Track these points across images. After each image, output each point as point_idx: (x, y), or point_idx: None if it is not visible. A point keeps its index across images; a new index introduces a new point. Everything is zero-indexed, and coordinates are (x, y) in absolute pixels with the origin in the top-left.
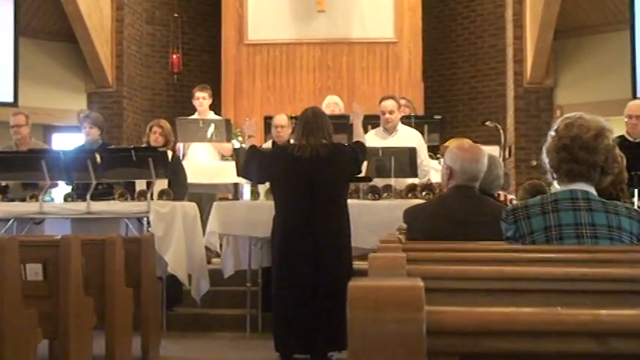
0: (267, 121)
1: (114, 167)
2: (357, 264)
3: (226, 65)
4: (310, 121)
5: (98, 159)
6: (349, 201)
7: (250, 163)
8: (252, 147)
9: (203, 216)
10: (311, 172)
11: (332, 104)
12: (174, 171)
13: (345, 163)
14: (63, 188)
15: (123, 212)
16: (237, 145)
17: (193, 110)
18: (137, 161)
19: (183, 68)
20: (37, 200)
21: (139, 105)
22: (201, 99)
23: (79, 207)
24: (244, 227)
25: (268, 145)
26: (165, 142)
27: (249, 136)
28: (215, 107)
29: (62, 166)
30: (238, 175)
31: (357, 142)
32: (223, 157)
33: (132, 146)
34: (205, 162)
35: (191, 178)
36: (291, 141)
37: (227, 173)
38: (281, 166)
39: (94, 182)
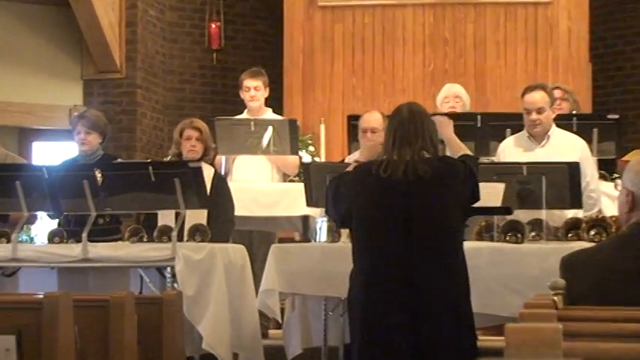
0: (353, 122)
1: (123, 191)
2: (486, 340)
3: (291, 39)
4: (405, 124)
5: (99, 179)
6: (476, 244)
7: (328, 195)
8: (343, 174)
9: (255, 265)
10: (407, 201)
11: (451, 97)
12: (217, 197)
13: (460, 187)
14: (47, 223)
15: (136, 259)
16: (306, 158)
17: (242, 107)
18: (158, 182)
19: (226, 43)
20: (8, 241)
21: (161, 98)
22: (253, 89)
23: (71, 251)
24: (317, 283)
25: (352, 158)
26: (204, 151)
27: (355, 161)
28: (274, 102)
29: (46, 190)
30: (309, 204)
31: (466, 155)
32: (286, 177)
33: (149, 160)
34: (259, 184)
35: (238, 209)
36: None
37: (291, 201)
38: (361, 194)
39: (93, 214)
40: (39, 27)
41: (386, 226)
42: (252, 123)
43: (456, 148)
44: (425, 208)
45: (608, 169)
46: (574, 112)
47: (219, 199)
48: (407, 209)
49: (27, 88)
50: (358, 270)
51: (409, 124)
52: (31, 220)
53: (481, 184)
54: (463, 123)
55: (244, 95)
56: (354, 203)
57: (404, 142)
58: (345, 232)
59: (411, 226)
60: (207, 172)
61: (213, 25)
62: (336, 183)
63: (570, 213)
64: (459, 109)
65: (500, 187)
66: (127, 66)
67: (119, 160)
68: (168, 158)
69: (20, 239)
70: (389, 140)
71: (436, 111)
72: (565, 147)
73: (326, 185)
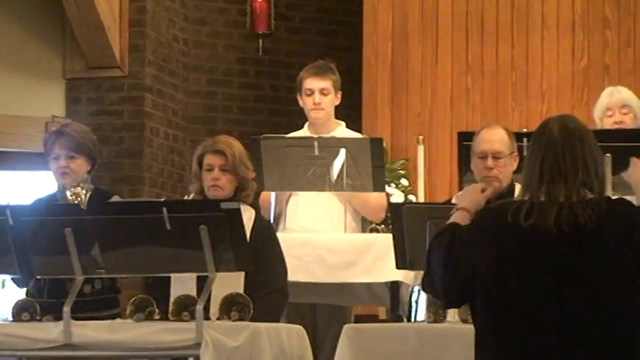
0: (465, 142)
1: (123, 245)
2: None
3: (374, 18)
4: (558, 148)
5: (87, 226)
6: None
7: (432, 258)
8: (452, 227)
9: (320, 355)
10: (561, 262)
11: (616, 107)
12: (259, 255)
13: None
14: (12, 291)
15: (142, 345)
16: (397, 196)
17: (300, 120)
18: (174, 232)
19: (277, 25)
20: None
21: (181, 107)
22: (318, 94)
23: (47, 333)
24: None
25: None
26: (236, 186)
27: (460, 207)
28: (349, 112)
29: (11, 243)
30: (400, 266)
31: None
32: (367, 225)
33: (162, 199)
34: (326, 236)
35: (294, 273)
36: (516, 193)
37: (374, 261)
38: (490, 253)
39: (79, 278)
40: (6, 8)
41: (529, 300)
42: (315, 143)
43: None
44: (587, 273)
45: None
46: None
47: (263, 258)
48: (560, 274)
49: None
50: None
51: (564, 148)
52: None
53: None
54: (633, 144)
55: (305, 102)
56: (478, 267)
57: (556, 176)
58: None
59: (567, 300)
60: (245, 216)
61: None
62: (449, 240)
63: None
64: (628, 124)
65: None
66: (130, 59)
67: (116, 197)
68: (190, 197)
69: None
70: (533, 172)
71: (591, 127)
72: None
73: (429, 242)
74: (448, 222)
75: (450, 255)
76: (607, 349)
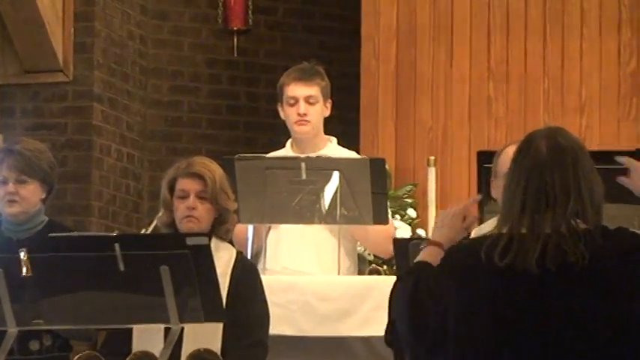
0: (486, 164)
1: (66, 291)
2: None
3: (374, 12)
4: (545, 169)
5: (24, 268)
6: None
7: (399, 301)
8: (418, 270)
9: None
10: (545, 311)
11: None
12: (239, 301)
13: None
14: None
15: None
16: (403, 230)
17: (283, 135)
18: (129, 274)
19: (255, 20)
20: None
21: (138, 120)
22: (303, 102)
23: None
24: None
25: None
26: (215, 218)
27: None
28: (343, 126)
29: None
30: None
31: None
32: (366, 265)
33: (115, 233)
34: (315, 279)
35: (278, 324)
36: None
37: (374, 309)
38: (462, 301)
39: (11, 330)
40: None
41: (509, 356)
42: (302, 165)
43: None
44: (579, 324)
45: None
46: None
47: (242, 304)
48: (545, 326)
49: None
50: None
51: (552, 170)
52: None
53: None
54: None
55: (287, 113)
56: (448, 317)
57: (542, 205)
58: None
59: (556, 355)
60: (225, 256)
61: None
62: (413, 286)
63: None
64: None
65: None
66: (75, 61)
67: (71, 232)
68: (150, 229)
69: None
70: (514, 200)
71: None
72: None
73: (396, 282)
74: (415, 260)
75: (414, 304)
76: None
